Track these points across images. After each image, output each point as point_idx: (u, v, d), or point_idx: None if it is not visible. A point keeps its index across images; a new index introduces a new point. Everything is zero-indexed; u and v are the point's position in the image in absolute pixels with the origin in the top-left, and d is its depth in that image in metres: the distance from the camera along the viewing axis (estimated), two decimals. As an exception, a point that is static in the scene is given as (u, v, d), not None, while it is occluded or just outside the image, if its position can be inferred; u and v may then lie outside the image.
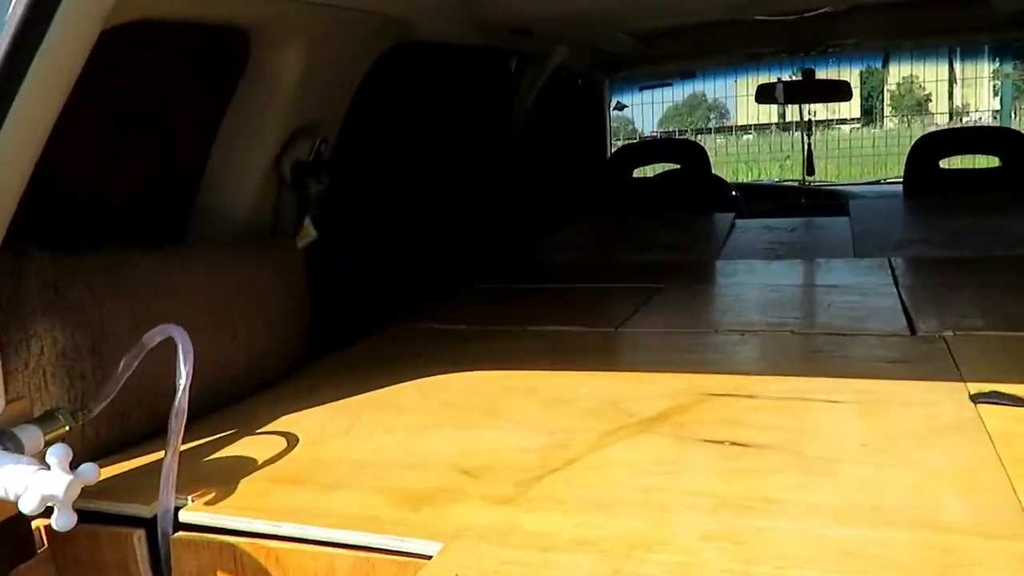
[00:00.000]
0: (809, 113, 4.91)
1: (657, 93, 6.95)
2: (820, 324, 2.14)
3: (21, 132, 1.15)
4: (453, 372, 1.73)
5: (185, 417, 1.16)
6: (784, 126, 10.99)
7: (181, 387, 1.15)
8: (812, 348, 1.87)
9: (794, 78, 4.53)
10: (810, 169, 4.54)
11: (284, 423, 1.46)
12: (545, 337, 2.02)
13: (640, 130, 7.92)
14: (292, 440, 1.38)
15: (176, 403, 1.14)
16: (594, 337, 2.01)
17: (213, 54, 1.73)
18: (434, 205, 2.59)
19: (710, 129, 11.93)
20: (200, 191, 1.84)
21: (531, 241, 3.43)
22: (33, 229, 1.41)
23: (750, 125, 11.85)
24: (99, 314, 1.29)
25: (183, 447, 1.18)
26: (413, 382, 1.67)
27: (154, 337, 1.20)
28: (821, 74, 4.41)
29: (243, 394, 1.61)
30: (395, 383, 1.67)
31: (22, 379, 1.20)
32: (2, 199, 1.16)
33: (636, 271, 2.85)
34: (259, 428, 1.44)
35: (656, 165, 4.52)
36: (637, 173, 4.40)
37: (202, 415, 1.46)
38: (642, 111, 7.46)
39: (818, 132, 8.23)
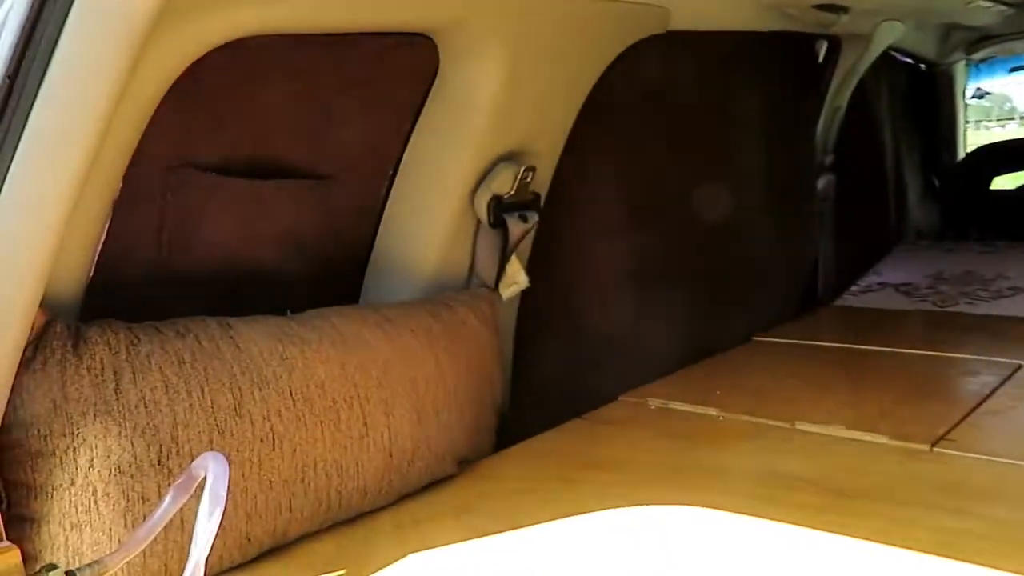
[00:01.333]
0: None
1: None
2: None
3: (48, 181, 0.91)
4: (639, 499, 1.24)
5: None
6: None
7: (200, 545, 0.83)
8: None
9: None
10: None
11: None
12: (814, 448, 1.43)
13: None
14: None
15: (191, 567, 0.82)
16: (892, 458, 1.38)
17: (390, 69, 1.41)
18: (696, 243, 2.07)
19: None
20: (376, 237, 1.55)
21: (836, 275, 2.76)
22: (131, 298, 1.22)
23: None
24: (172, 415, 1.03)
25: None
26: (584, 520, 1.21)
27: (205, 465, 0.89)
28: None
29: (374, 507, 1.26)
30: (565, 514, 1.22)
31: (68, 499, 0.97)
32: (36, 255, 0.93)
33: (986, 330, 2.09)
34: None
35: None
36: (997, 184, 3.42)
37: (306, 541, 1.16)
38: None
39: None
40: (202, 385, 1.05)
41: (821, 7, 2.07)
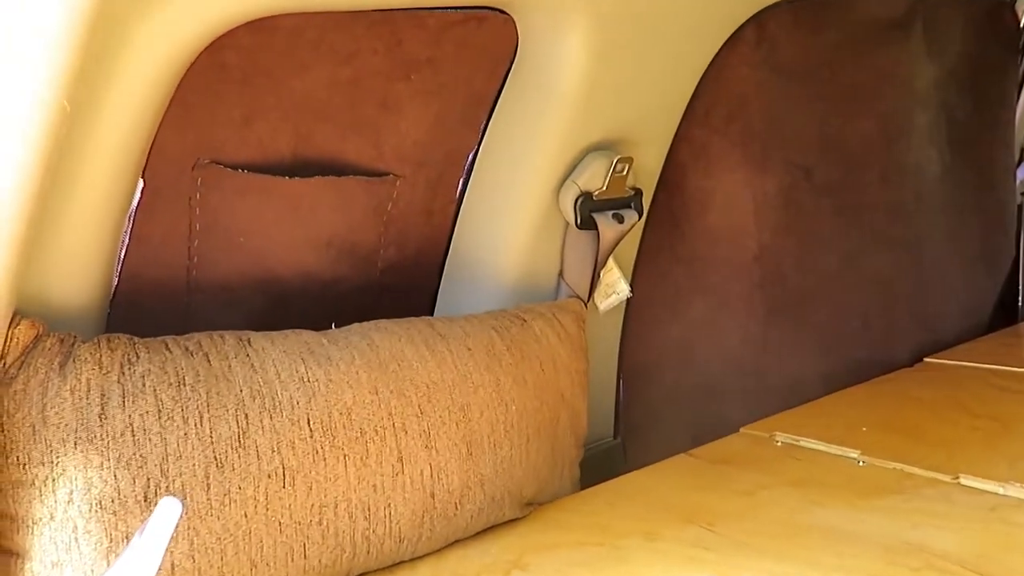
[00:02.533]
0: None
1: None
2: None
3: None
4: (739, 571, 0.99)
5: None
6: None
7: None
8: None
9: None
10: None
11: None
12: (982, 515, 1.09)
13: None
14: None
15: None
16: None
17: (459, 50, 1.24)
18: (853, 242, 1.74)
19: None
20: (451, 241, 1.38)
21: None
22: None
23: None
24: (163, 445, 0.91)
25: None
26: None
27: (163, 513, 0.76)
28: None
29: (414, 556, 1.07)
30: None
31: (48, 534, 0.88)
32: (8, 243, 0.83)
33: None
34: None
35: None
36: None
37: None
38: None
39: None
40: (201, 411, 0.93)
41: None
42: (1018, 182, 2.22)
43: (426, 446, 1.05)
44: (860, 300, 1.73)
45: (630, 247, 1.50)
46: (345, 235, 1.22)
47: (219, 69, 1.04)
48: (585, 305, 1.40)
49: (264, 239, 1.15)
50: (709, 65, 1.48)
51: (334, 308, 1.25)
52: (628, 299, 1.57)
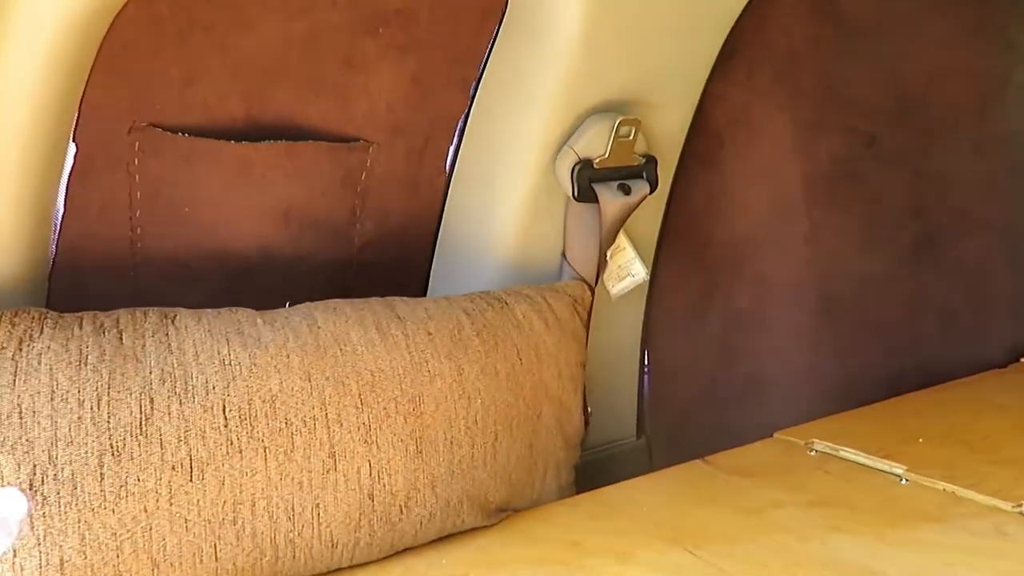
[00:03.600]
0: None
1: None
2: None
3: None
4: None
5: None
6: None
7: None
8: None
9: None
10: None
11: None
12: None
13: None
14: None
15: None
16: None
17: (439, 3, 1.11)
18: (922, 225, 1.49)
19: None
20: (443, 215, 1.25)
21: None
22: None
23: None
24: (53, 430, 0.83)
25: None
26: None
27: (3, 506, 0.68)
28: None
29: (352, 564, 0.94)
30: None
31: (-68, 520, 0.82)
32: None
33: None
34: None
35: None
36: None
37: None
38: None
39: None
40: (100, 393, 0.84)
41: None
42: None
43: (365, 441, 0.93)
44: (940, 290, 1.49)
45: (651, 224, 1.33)
46: (306, 206, 1.11)
47: (151, 22, 0.95)
48: (592, 288, 1.25)
49: (213, 209, 1.06)
50: (750, 16, 1.29)
51: (305, 285, 1.16)
52: (653, 285, 1.41)
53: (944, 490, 1.01)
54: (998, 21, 1.53)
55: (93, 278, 1.04)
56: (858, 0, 1.38)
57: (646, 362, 1.45)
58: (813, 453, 1.17)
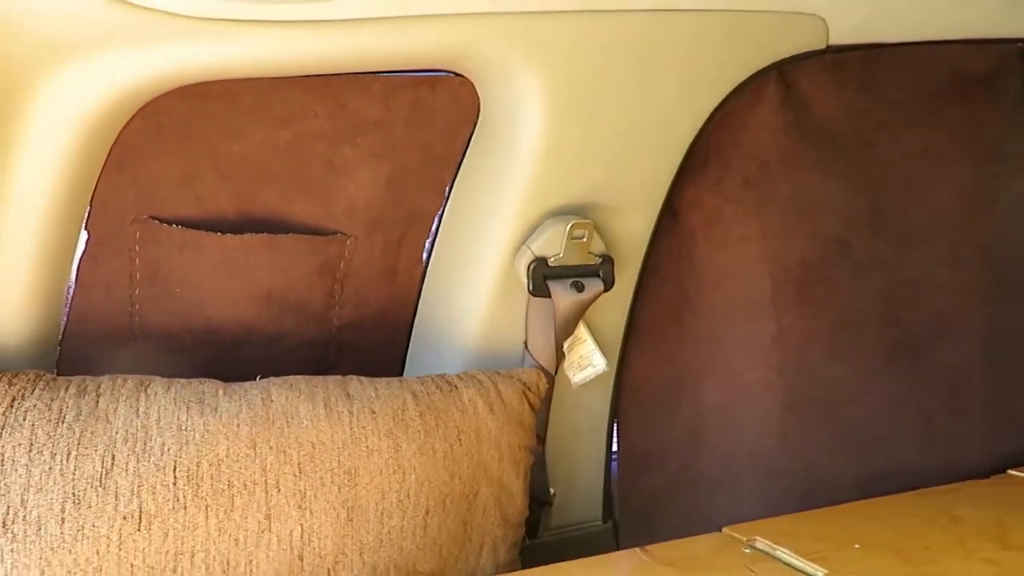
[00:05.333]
0: None
1: None
2: None
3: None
4: None
5: None
6: None
7: None
8: None
9: None
10: None
11: None
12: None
13: None
14: None
15: None
16: None
17: (414, 112, 1.24)
18: (901, 325, 1.51)
19: None
20: (420, 300, 1.37)
21: None
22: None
23: None
24: (27, 477, 0.97)
25: None
26: None
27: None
28: None
29: None
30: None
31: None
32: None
33: None
34: None
35: None
36: None
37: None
38: None
39: None
40: (70, 448, 0.99)
41: None
42: None
43: (300, 506, 1.04)
44: (917, 396, 1.49)
45: (616, 318, 1.41)
46: (287, 290, 1.25)
47: (154, 132, 1.13)
48: (551, 376, 1.34)
49: (201, 291, 1.21)
50: (724, 127, 1.38)
51: (286, 361, 1.29)
52: (626, 375, 1.48)
53: (855, 598, 1.04)
54: (994, 132, 1.56)
55: (97, 346, 1.20)
56: (833, 113, 1.44)
57: (614, 449, 1.51)
58: (748, 551, 1.20)
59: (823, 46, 1.34)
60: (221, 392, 1.09)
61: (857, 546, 1.19)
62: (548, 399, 1.34)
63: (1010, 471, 1.50)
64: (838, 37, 1.34)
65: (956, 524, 1.25)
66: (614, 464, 1.52)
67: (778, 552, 1.19)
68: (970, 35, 1.44)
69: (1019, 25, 1.44)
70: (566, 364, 1.36)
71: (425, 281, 1.36)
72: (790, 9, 1.27)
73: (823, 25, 1.31)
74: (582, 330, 1.35)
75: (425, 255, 1.35)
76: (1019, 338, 1.54)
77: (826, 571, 1.10)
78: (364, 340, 1.35)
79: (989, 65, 1.51)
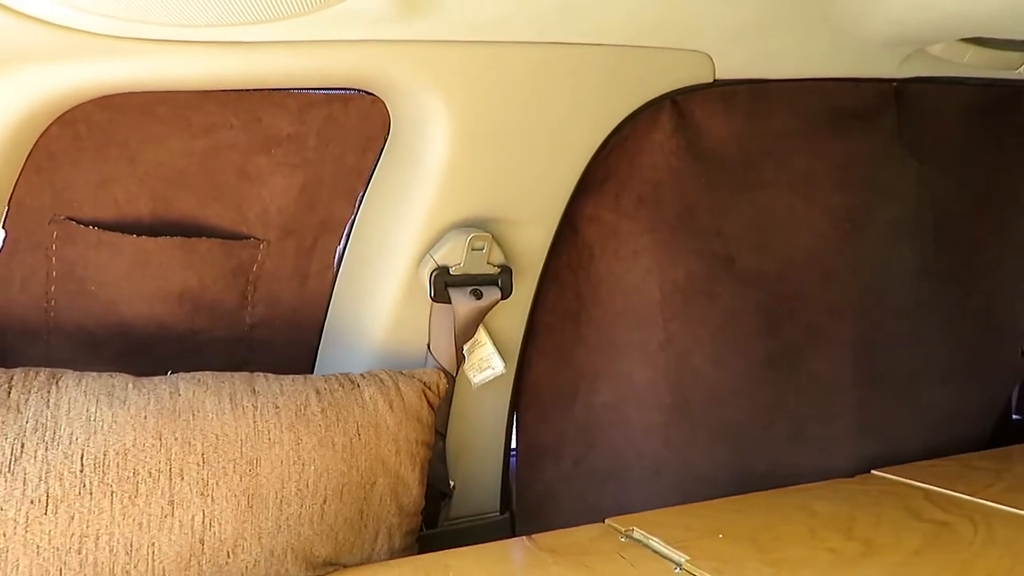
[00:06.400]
0: None
1: None
2: None
3: None
4: None
5: None
6: None
7: None
8: None
9: None
10: None
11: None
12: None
13: None
14: None
15: None
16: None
17: (328, 127, 1.33)
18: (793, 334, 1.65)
19: None
20: (331, 301, 1.45)
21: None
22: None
23: None
24: (-62, 463, 1.03)
25: None
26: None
27: None
28: None
29: None
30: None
31: None
32: None
33: None
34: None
35: None
36: None
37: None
38: None
39: None
40: (-19, 436, 1.05)
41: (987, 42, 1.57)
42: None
43: (202, 494, 1.12)
44: (791, 401, 1.63)
45: (516, 323, 1.51)
46: (200, 291, 1.32)
47: (73, 139, 1.19)
48: (452, 377, 1.43)
49: (116, 289, 1.27)
50: (621, 150, 1.49)
51: (199, 357, 1.36)
52: (526, 376, 1.58)
53: (709, 582, 1.16)
54: (868, 163, 1.70)
55: (13, 339, 1.26)
56: (723, 140, 1.56)
57: (513, 444, 1.61)
58: (624, 539, 1.32)
59: (711, 80, 1.46)
60: (131, 386, 1.16)
61: (720, 536, 1.31)
62: (449, 398, 1.44)
63: (873, 471, 1.65)
64: (724, 72, 1.46)
65: (811, 518, 1.39)
66: (512, 459, 1.62)
67: (651, 541, 1.31)
68: (847, 75, 1.58)
69: (891, 67, 1.59)
70: (467, 366, 1.46)
71: (336, 284, 1.44)
72: (679, 46, 1.39)
73: (710, 61, 1.43)
74: (482, 334, 1.45)
75: (337, 260, 1.43)
76: (884, 351, 1.69)
77: (688, 557, 1.22)
78: (276, 338, 1.43)
79: (866, 102, 1.66)
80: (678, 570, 1.20)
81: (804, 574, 1.17)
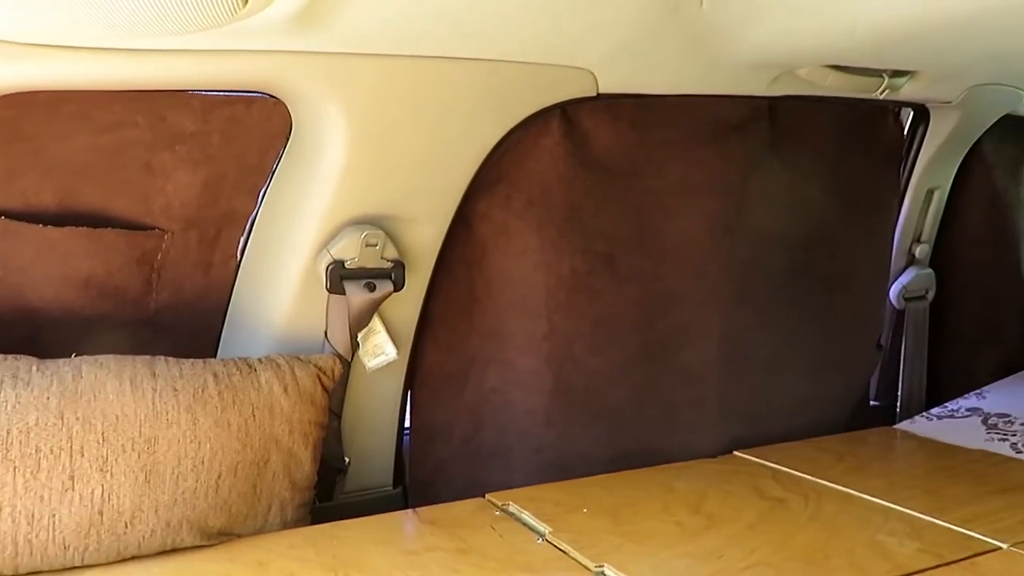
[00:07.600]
0: None
1: None
2: None
3: None
4: None
5: None
6: None
7: None
8: None
9: None
10: None
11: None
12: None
13: None
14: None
15: None
16: None
17: (231, 126, 1.41)
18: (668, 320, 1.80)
19: None
20: (233, 290, 1.54)
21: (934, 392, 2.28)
22: None
23: None
24: None
25: None
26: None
27: None
28: None
29: (85, 564, 1.21)
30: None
31: None
32: None
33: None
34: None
35: None
36: None
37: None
38: None
39: None
40: None
41: (855, 70, 1.72)
42: (901, 288, 2.22)
43: (101, 469, 1.21)
44: (664, 389, 1.79)
45: (409, 313, 1.63)
46: (104, 278, 1.40)
47: (-20, 133, 1.25)
48: (347, 363, 1.54)
49: (22, 275, 1.34)
50: (513, 152, 1.61)
51: (104, 340, 1.43)
52: (421, 362, 1.70)
53: (563, 550, 1.30)
54: (740, 170, 1.85)
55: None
56: (608, 148, 1.69)
57: (406, 424, 1.74)
58: (499, 513, 1.46)
59: (594, 94, 1.59)
60: (35, 368, 1.24)
61: (585, 511, 1.46)
62: (344, 381, 1.55)
63: (735, 452, 1.82)
64: (607, 87, 1.59)
65: (668, 494, 1.55)
66: (407, 438, 1.75)
67: (522, 515, 1.45)
68: (723, 92, 1.73)
69: (762, 86, 1.73)
70: (362, 352, 1.57)
71: (239, 274, 1.53)
72: (563, 63, 1.51)
73: (592, 77, 1.56)
74: (376, 323, 1.56)
75: (240, 250, 1.52)
76: (748, 343, 1.86)
77: (551, 529, 1.37)
78: (180, 323, 1.51)
79: (741, 115, 1.81)
80: (540, 540, 1.34)
81: (650, 544, 1.33)
